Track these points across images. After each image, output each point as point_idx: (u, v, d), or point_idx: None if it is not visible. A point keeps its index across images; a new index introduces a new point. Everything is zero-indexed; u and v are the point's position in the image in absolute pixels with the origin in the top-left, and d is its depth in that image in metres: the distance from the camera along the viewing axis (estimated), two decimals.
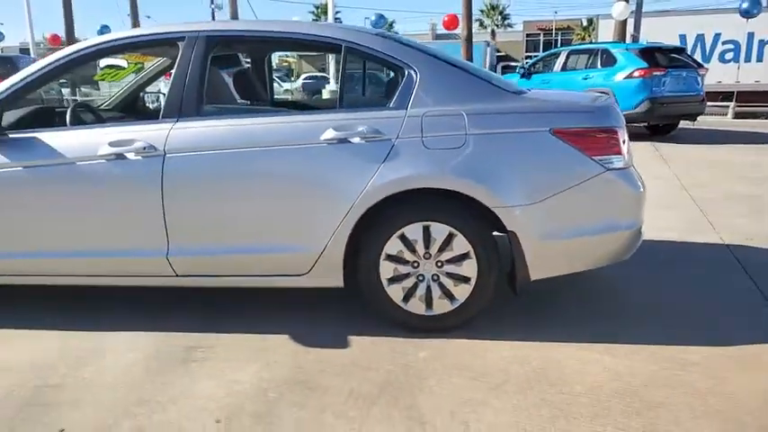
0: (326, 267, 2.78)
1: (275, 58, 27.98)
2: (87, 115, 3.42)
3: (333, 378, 2.46)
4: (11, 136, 2.86)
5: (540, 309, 3.17)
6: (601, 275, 3.45)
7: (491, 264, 2.76)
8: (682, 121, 11.55)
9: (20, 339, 2.85)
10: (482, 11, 53.03)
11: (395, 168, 2.66)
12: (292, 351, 2.70)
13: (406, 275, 2.80)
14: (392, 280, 2.80)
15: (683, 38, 17.69)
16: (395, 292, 2.81)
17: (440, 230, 2.73)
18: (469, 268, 2.76)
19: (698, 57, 16.70)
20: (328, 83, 13.50)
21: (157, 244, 2.80)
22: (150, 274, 2.90)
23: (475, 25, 50.57)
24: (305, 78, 25.33)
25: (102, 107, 3.90)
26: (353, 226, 2.71)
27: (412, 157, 2.67)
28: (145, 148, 2.74)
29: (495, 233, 2.78)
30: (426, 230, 2.73)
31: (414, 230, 2.73)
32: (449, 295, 2.80)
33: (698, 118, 11.50)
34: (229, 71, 3.49)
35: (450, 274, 2.78)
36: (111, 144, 2.76)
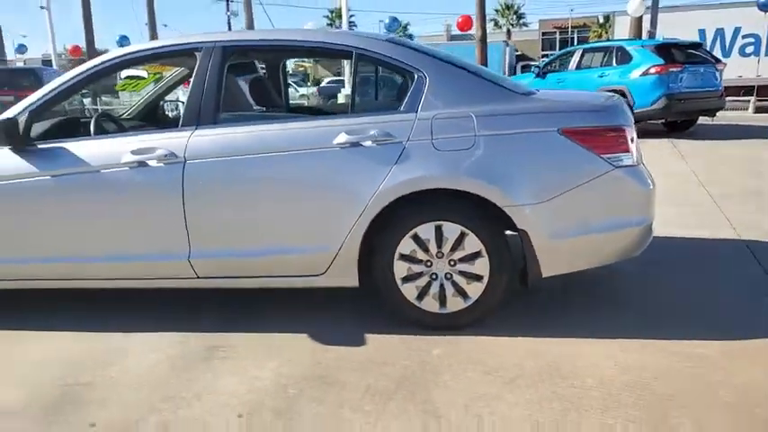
0: (342, 267, 2.86)
1: (291, 63, 28.26)
2: (110, 125, 3.55)
3: (350, 374, 2.54)
4: (39, 146, 2.99)
5: (553, 305, 3.21)
6: (614, 271, 3.48)
7: (503, 262, 2.82)
8: (701, 117, 11.44)
9: (49, 340, 2.97)
10: (497, 10, 52.85)
11: (406, 170, 2.73)
12: (310, 348, 2.79)
13: (420, 274, 2.86)
14: (406, 279, 2.87)
15: (701, 33, 17.46)
16: (409, 291, 2.88)
17: (452, 230, 2.79)
18: (482, 266, 2.82)
19: (718, 51, 16.50)
20: (344, 87, 13.64)
21: (180, 247, 2.91)
22: (173, 276, 3.00)
23: (490, 25, 50.39)
24: (327, 83, 25.53)
25: (123, 116, 4.03)
26: (367, 227, 2.79)
27: (422, 158, 2.74)
28: (166, 156, 2.85)
29: (507, 232, 2.84)
30: (438, 230, 2.80)
31: (426, 230, 2.80)
32: (462, 293, 2.86)
33: (718, 113, 11.39)
34: (246, 78, 3.59)
35: (462, 273, 2.84)
36: (134, 152, 2.87)
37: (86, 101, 14.44)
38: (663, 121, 11.17)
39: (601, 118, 2.84)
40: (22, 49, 30.12)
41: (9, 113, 3.00)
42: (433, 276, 2.86)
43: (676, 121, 11.13)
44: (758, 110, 14.84)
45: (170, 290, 3.14)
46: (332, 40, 3.12)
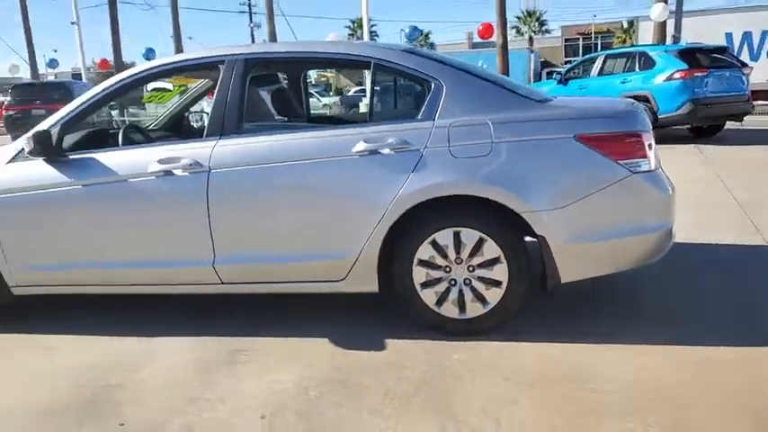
0: (362, 273, 2.91)
1: (314, 74, 28.56)
2: (137, 135, 3.67)
3: (370, 378, 2.59)
4: (71, 157, 3.11)
5: (573, 310, 3.22)
6: (636, 276, 3.47)
7: (521, 267, 2.84)
8: (729, 122, 11.27)
9: (80, 344, 3.07)
10: (518, 17, 52.65)
11: (424, 177, 2.78)
12: (331, 353, 2.84)
13: (439, 280, 2.90)
14: (425, 284, 2.90)
15: (728, 36, 17.21)
16: (428, 297, 2.91)
17: (470, 236, 2.82)
18: (500, 272, 2.84)
19: (745, 55, 16.24)
20: (365, 96, 13.79)
21: (204, 254, 2.99)
22: (198, 282, 3.09)
23: (512, 32, 50.20)
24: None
25: (150, 127, 4.16)
26: (386, 233, 2.84)
27: (440, 165, 2.79)
28: (191, 165, 2.94)
29: (526, 238, 2.86)
30: (457, 236, 2.83)
31: (444, 236, 2.84)
32: (481, 299, 2.89)
33: (745, 118, 11.21)
34: (268, 89, 3.68)
35: (481, 278, 2.87)
36: (160, 162, 2.97)
37: (114, 113, 14.80)
38: (688, 126, 11.04)
39: (617, 124, 2.86)
40: (53, 63, 30.95)
41: (43, 126, 3.13)
42: (452, 282, 2.89)
43: (702, 126, 10.99)
44: None
45: (195, 295, 3.22)
46: (350, 51, 3.20)
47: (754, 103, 11.45)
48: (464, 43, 48.17)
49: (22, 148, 3.11)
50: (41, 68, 34.20)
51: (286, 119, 3.59)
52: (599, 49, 40.69)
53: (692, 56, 10.46)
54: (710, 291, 3.43)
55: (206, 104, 5.34)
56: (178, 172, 2.96)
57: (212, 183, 2.93)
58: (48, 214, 3.11)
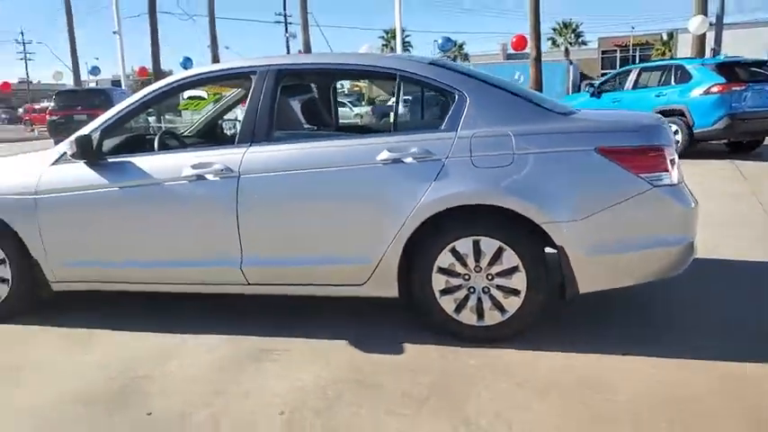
0: (382, 278, 2.99)
1: (347, 84, 28.91)
2: (172, 141, 3.83)
3: (387, 379, 2.66)
4: (110, 160, 3.28)
5: (592, 321, 3.24)
6: (658, 289, 3.47)
7: (540, 277, 2.88)
8: None
9: (115, 338, 3.23)
10: (554, 29, 52.37)
11: (445, 186, 2.85)
12: (350, 354, 2.92)
13: (458, 287, 2.96)
14: (444, 291, 2.97)
15: None
16: (447, 304, 2.97)
17: (489, 245, 2.88)
18: (519, 281, 2.89)
19: None
20: (400, 106, 13.93)
21: (233, 255, 3.11)
22: (226, 282, 3.21)
23: (547, 43, 49.79)
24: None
25: (184, 134, 4.33)
26: (407, 240, 2.91)
27: (461, 175, 2.85)
28: (222, 170, 3.07)
29: (547, 248, 2.90)
30: (476, 245, 2.89)
31: (464, 244, 2.90)
32: (499, 307, 2.93)
33: None
34: (298, 98, 3.81)
35: (500, 287, 2.92)
36: (193, 166, 3.11)
37: (151, 119, 15.24)
38: (725, 141, 10.85)
39: (638, 137, 2.88)
40: (95, 71, 31.96)
41: (84, 131, 3.31)
42: (471, 290, 2.95)
43: (741, 141, 10.78)
44: None
45: (227, 296, 3.34)
46: (377, 63, 3.30)
47: None
48: (498, 54, 48.06)
49: (65, 152, 3.30)
50: (83, 75, 35.43)
51: (315, 128, 3.71)
52: (637, 61, 40.14)
53: (730, 70, 10.28)
54: (735, 307, 3.41)
55: (240, 113, 5.51)
56: (210, 177, 3.09)
57: (242, 188, 3.05)
58: (86, 214, 3.28)
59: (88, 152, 3.21)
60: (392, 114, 3.65)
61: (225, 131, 4.51)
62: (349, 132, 3.69)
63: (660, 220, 2.87)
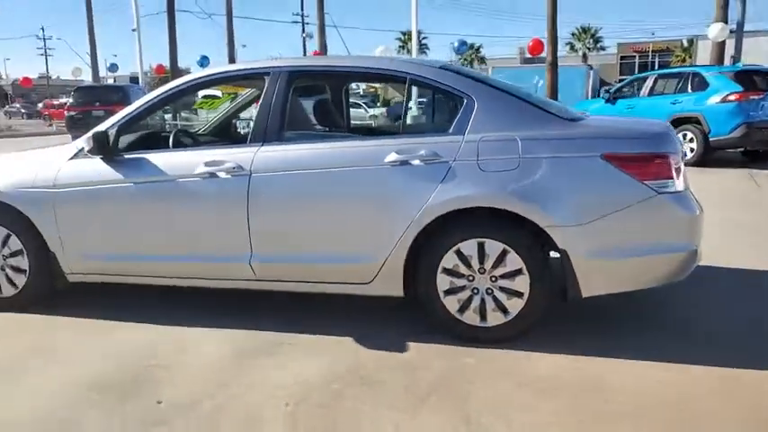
0: (388, 277, 3.05)
1: (363, 85, 29.02)
2: (186, 139, 3.92)
3: (389, 375, 2.72)
4: (126, 156, 3.37)
5: (595, 324, 3.28)
6: (664, 294, 3.49)
7: (543, 280, 2.92)
8: None
9: (127, 329, 3.31)
10: (573, 34, 52.08)
11: (451, 188, 2.90)
12: (355, 350, 2.99)
13: (462, 288, 3.01)
14: (448, 292, 3.02)
15: None
16: (451, 304, 3.03)
17: (494, 247, 2.93)
18: (522, 283, 2.93)
19: None
20: (410, 108, 14.07)
21: (242, 251, 3.19)
22: (235, 277, 3.29)
23: (565, 48, 49.43)
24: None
25: (198, 132, 4.43)
26: (413, 240, 2.97)
27: (467, 178, 2.90)
28: (234, 169, 3.15)
29: (551, 253, 2.94)
30: (481, 247, 2.94)
31: (469, 246, 2.95)
32: (502, 308, 2.98)
33: None
34: (310, 100, 3.88)
35: (503, 289, 2.96)
36: (206, 164, 3.19)
37: (167, 116, 15.43)
38: (742, 150, 10.78)
39: (644, 145, 2.91)
40: (113, 68, 32.32)
41: (101, 127, 3.40)
42: (475, 291, 3.00)
43: (758, 150, 10.70)
44: None
45: (233, 291, 3.42)
46: (387, 67, 3.37)
47: None
48: (516, 58, 47.89)
49: (83, 147, 3.40)
50: (102, 72, 35.88)
51: (325, 129, 3.77)
52: (656, 67, 39.77)
53: (748, 78, 10.23)
54: (741, 313, 3.42)
55: (254, 112, 5.60)
56: (222, 174, 3.17)
57: (252, 185, 3.12)
58: (102, 208, 3.37)
59: (105, 148, 3.31)
60: (402, 117, 3.71)
61: (238, 131, 4.60)
62: (359, 134, 3.75)
63: (664, 226, 2.90)
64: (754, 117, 9.82)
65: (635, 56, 50.62)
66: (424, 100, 4.18)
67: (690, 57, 38.13)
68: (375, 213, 3.04)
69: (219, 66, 3.75)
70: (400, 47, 47.29)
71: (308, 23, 38.83)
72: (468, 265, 2.97)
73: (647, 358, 2.83)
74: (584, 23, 52.09)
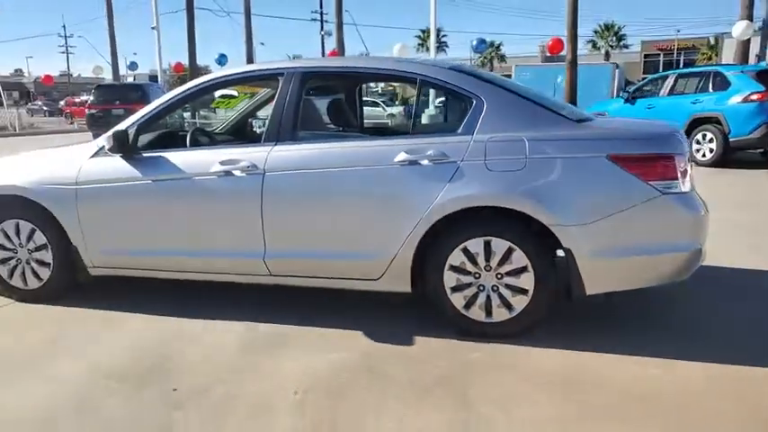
0: (396, 274, 3.13)
1: (382, 84, 29.11)
2: (203, 138, 4.04)
3: (396, 368, 2.81)
4: (144, 155, 3.49)
5: (599, 321, 3.33)
6: (669, 292, 3.52)
7: (548, 277, 2.98)
8: None
9: (144, 321, 3.44)
10: (596, 31, 51.62)
11: (459, 188, 2.97)
12: (363, 344, 3.08)
13: (468, 285, 3.08)
14: (455, 288, 3.09)
15: None
16: (457, 300, 3.10)
17: (500, 245, 2.99)
18: (527, 281, 2.99)
19: None
20: (427, 107, 14.10)
21: (256, 247, 3.29)
22: (249, 272, 3.40)
23: (588, 46, 48.98)
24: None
25: (215, 131, 4.55)
26: (421, 238, 3.04)
27: (475, 178, 2.97)
28: (248, 167, 3.25)
29: (557, 251, 2.99)
30: (487, 245, 3.01)
31: (475, 244, 3.02)
32: (507, 305, 3.05)
33: None
34: (323, 100, 3.97)
35: (508, 286, 3.03)
36: (222, 163, 3.30)
37: (186, 115, 15.64)
38: (762, 151, 10.64)
39: (649, 146, 2.95)
40: (133, 66, 32.73)
41: (121, 126, 3.53)
42: (481, 288, 3.07)
43: None
44: None
45: (246, 285, 3.53)
46: (399, 68, 3.44)
47: None
48: (537, 56, 47.56)
49: (103, 145, 3.54)
50: (122, 70, 36.41)
51: (338, 128, 3.86)
52: (681, 65, 39.15)
53: None
54: (747, 313, 3.44)
55: (269, 112, 5.70)
56: (237, 173, 3.27)
57: (266, 184, 3.22)
58: (121, 205, 3.50)
59: (124, 146, 3.43)
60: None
61: (253, 130, 4.71)
62: (370, 134, 3.83)
63: (669, 226, 2.94)
64: None
65: (659, 54, 49.92)
66: (442, 100, 4.23)
67: (716, 55, 37.52)
68: (384, 212, 3.12)
69: (237, 66, 3.86)
70: (419, 45, 47.24)
71: (326, 21, 39.00)
72: (475, 263, 3.04)
73: (645, 353, 2.89)
74: (608, 20, 51.56)
